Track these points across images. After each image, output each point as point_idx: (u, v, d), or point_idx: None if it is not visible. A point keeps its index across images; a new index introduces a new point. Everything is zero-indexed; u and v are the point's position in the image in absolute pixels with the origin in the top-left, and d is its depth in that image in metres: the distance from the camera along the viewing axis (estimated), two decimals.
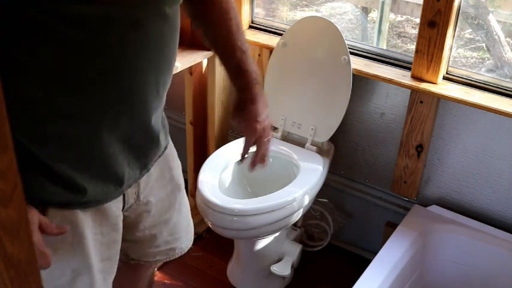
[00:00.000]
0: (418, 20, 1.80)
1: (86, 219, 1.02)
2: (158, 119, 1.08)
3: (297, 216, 1.82)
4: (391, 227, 1.98)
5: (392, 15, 2.48)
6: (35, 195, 0.93)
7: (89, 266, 1.05)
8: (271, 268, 1.96)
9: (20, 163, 0.89)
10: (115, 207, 1.07)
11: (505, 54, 2.05)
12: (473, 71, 2.00)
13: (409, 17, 2.49)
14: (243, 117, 1.22)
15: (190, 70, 2.11)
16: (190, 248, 1.37)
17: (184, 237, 1.32)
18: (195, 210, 2.34)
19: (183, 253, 1.32)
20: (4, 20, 0.79)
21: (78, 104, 0.90)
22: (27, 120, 0.89)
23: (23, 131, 0.89)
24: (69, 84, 0.87)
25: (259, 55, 2.13)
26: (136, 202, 1.14)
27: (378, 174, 2.08)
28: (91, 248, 1.04)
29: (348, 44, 1.88)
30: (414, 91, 1.83)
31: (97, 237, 1.05)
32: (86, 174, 0.97)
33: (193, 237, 1.36)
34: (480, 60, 2.23)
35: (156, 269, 2.13)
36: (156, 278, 2.10)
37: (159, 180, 1.18)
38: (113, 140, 0.97)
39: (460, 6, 1.72)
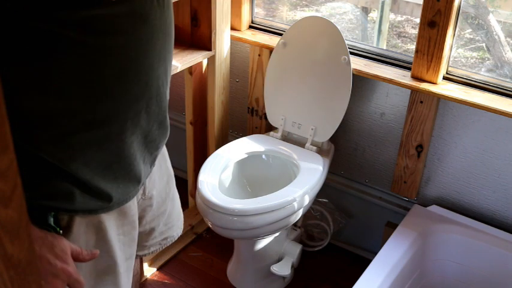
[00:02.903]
0: (418, 20, 1.80)
1: (109, 222, 1.02)
2: (168, 109, 1.09)
3: (297, 216, 1.82)
4: (391, 227, 1.98)
5: (392, 15, 2.48)
6: (63, 206, 0.93)
7: (114, 267, 1.05)
8: (271, 268, 1.96)
9: (49, 175, 0.88)
10: (133, 205, 1.07)
11: (505, 54, 2.05)
12: (473, 71, 2.00)
13: (409, 17, 2.49)
14: None
15: (190, 70, 2.11)
16: (177, 239, 1.35)
17: (176, 225, 1.31)
18: (195, 210, 2.34)
19: (173, 241, 1.32)
20: (17, 34, 0.78)
21: (100, 109, 0.89)
22: (53, 133, 0.87)
23: (49, 143, 0.88)
24: (91, 91, 0.87)
25: (259, 55, 2.13)
26: (142, 197, 1.14)
27: (378, 174, 2.08)
28: (116, 249, 1.05)
29: (348, 44, 1.88)
30: (414, 91, 1.83)
31: (120, 237, 1.05)
32: (110, 179, 0.97)
33: (183, 225, 1.36)
34: (480, 60, 2.22)
35: (156, 268, 2.13)
36: (156, 278, 2.10)
37: (157, 172, 1.19)
38: (134, 140, 0.98)
39: (460, 6, 1.72)
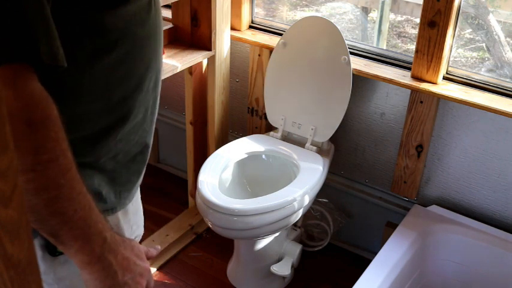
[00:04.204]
0: (418, 20, 1.80)
1: (122, 220, 1.02)
2: None
3: (297, 216, 1.82)
4: (391, 227, 1.99)
5: (392, 15, 2.48)
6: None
7: None
8: (271, 268, 1.96)
9: (87, 175, 0.88)
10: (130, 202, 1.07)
11: (505, 54, 2.05)
12: (473, 71, 2.00)
13: (409, 17, 2.49)
14: None
15: (190, 70, 2.11)
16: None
17: (142, 224, 1.30)
18: (195, 210, 2.34)
19: (140, 239, 1.31)
20: (72, 37, 0.78)
21: (132, 102, 0.90)
22: (89, 132, 0.87)
23: (86, 144, 0.88)
24: (127, 86, 0.88)
25: (259, 55, 2.13)
26: None
27: (378, 174, 2.08)
28: None
29: (348, 44, 1.88)
30: (414, 91, 1.83)
31: (126, 236, 1.05)
32: (132, 171, 0.98)
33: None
34: (480, 60, 2.23)
35: (156, 268, 2.13)
36: (156, 278, 2.10)
37: None
38: (152, 129, 0.99)
39: (460, 6, 1.72)
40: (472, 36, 2.21)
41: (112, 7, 0.79)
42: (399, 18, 2.53)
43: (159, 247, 0.96)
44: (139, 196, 1.24)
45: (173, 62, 1.92)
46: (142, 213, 1.28)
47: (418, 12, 1.81)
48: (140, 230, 1.27)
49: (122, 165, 0.95)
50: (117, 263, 0.80)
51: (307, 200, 1.80)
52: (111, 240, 0.80)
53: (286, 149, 1.99)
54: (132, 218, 1.18)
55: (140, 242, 1.26)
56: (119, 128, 0.90)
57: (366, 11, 2.60)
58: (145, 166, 1.04)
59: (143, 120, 0.95)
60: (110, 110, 0.87)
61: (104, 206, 0.94)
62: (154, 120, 1.01)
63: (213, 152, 2.00)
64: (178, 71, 1.91)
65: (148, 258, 0.91)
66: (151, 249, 0.93)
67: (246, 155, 1.98)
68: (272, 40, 2.10)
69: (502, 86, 1.77)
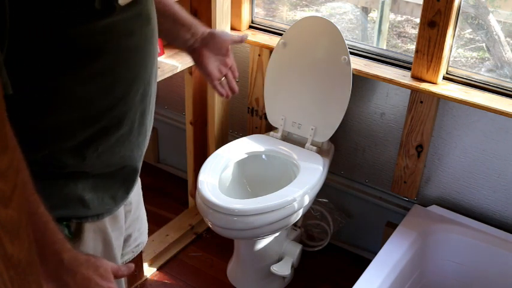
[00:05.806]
0: (418, 20, 1.80)
1: (110, 226, 1.01)
2: None
3: (297, 216, 1.82)
4: (391, 227, 1.99)
5: (392, 15, 2.48)
6: (75, 213, 0.92)
7: None
8: (271, 268, 1.96)
9: (62, 184, 0.88)
10: (121, 209, 1.06)
11: (505, 54, 2.05)
12: (473, 71, 2.00)
13: (409, 17, 2.49)
14: (211, 62, 1.25)
15: (190, 70, 2.11)
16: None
17: (145, 231, 1.28)
18: (195, 210, 2.34)
19: (143, 247, 1.30)
20: (48, 48, 0.78)
21: (117, 114, 0.90)
22: (73, 143, 0.87)
23: (69, 154, 0.88)
24: (111, 96, 0.88)
25: (259, 55, 2.13)
26: (126, 202, 1.13)
27: (378, 174, 2.08)
28: (118, 255, 1.04)
29: (348, 44, 1.88)
30: (414, 91, 1.83)
31: (115, 242, 1.05)
32: (118, 180, 0.97)
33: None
34: (480, 60, 2.22)
35: (156, 268, 2.13)
36: (156, 278, 2.10)
37: None
38: (140, 141, 0.98)
39: (460, 6, 1.72)
40: (472, 36, 2.21)
41: (91, 20, 0.79)
42: (399, 18, 2.53)
43: (133, 265, 0.95)
44: (142, 203, 1.24)
45: (173, 62, 1.92)
46: (145, 221, 1.28)
47: (418, 12, 1.81)
48: (143, 237, 1.27)
49: (106, 174, 0.95)
50: (75, 283, 0.80)
51: (307, 200, 1.80)
52: (70, 260, 0.80)
53: (286, 149, 1.99)
54: (132, 225, 1.18)
55: None
56: (102, 140, 0.90)
57: (366, 11, 2.59)
58: (137, 176, 1.03)
59: (129, 132, 0.94)
60: (91, 122, 0.87)
61: (88, 212, 0.94)
62: (145, 131, 1.00)
63: (213, 152, 2.00)
64: (178, 71, 1.91)
65: (118, 277, 0.91)
66: (122, 267, 0.91)
67: (246, 155, 1.98)
68: (272, 40, 2.10)
69: (502, 86, 1.77)
